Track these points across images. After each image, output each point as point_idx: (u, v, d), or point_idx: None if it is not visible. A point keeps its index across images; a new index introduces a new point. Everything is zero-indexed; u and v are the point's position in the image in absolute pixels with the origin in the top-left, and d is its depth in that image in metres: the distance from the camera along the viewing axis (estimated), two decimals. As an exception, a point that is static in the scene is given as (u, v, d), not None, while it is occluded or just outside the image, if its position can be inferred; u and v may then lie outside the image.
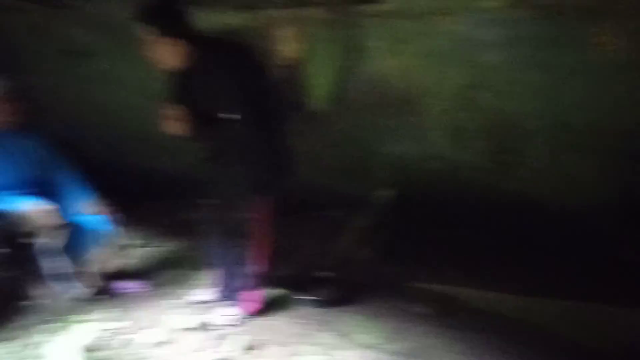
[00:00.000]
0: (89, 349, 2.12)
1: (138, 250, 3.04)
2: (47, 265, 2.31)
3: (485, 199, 2.95)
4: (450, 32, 2.49)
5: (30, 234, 2.27)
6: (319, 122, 3.04)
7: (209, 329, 2.28)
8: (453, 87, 2.70)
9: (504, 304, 2.43)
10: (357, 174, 3.28)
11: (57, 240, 2.32)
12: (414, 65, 2.68)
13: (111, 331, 2.25)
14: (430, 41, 2.59)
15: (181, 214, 3.14)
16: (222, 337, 2.22)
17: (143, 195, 3.30)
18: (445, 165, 3.01)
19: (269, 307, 2.42)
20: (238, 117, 2.04)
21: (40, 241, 2.28)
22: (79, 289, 2.42)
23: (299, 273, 2.70)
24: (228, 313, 2.34)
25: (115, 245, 2.74)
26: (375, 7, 2.41)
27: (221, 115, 2.06)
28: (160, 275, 2.75)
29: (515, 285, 2.53)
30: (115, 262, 2.74)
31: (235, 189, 2.21)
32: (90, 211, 2.45)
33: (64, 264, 2.35)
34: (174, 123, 2.12)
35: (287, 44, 2.67)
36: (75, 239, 2.41)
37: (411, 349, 2.14)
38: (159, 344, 2.18)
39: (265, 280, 2.40)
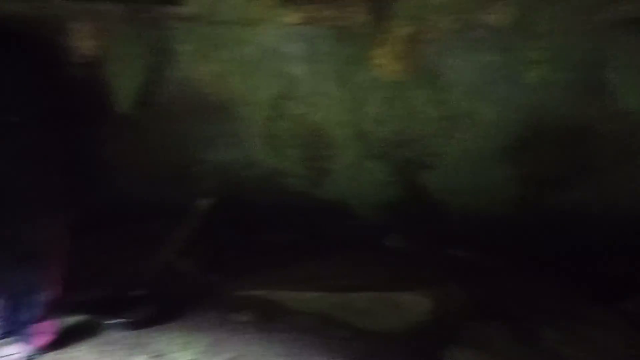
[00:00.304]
0: None
1: None
2: None
3: (303, 204, 3.07)
4: (258, 43, 2.53)
5: None
6: (130, 128, 2.79)
7: (-14, 375, 1.87)
8: (266, 97, 2.74)
9: (321, 302, 2.52)
10: (177, 182, 3.11)
11: None
12: (225, 72, 2.65)
13: None
14: (240, 50, 2.58)
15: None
16: (3, 382, 1.84)
17: None
18: (264, 172, 3.02)
19: (67, 337, 2.08)
20: (16, 119, 1.71)
21: None
22: None
23: (107, 293, 2.40)
24: (12, 351, 1.94)
25: None
26: (176, 9, 2.31)
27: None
28: None
29: (331, 283, 2.67)
30: None
31: (23, 203, 1.85)
32: None
33: None
34: None
35: (83, 39, 2.36)
36: None
37: (229, 360, 2.07)
38: None
39: (63, 306, 2.06)
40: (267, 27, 2.41)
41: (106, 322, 2.21)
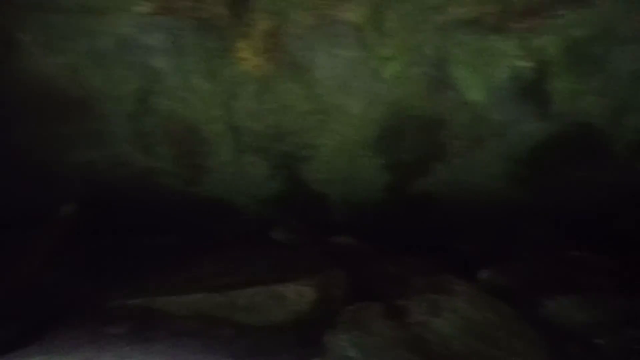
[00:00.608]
0: None
1: None
2: None
3: (182, 203, 2.97)
4: (113, 33, 2.39)
5: None
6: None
7: None
8: (128, 91, 2.60)
9: (204, 303, 2.45)
10: (36, 186, 2.83)
11: None
12: (80, 65, 2.46)
13: None
14: (93, 41, 2.43)
15: None
16: None
17: None
18: (136, 172, 2.86)
19: None
20: None
21: None
22: None
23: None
24: None
25: None
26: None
27: None
28: None
29: (216, 282, 2.61)
30: None
31: None
32: None
33: None
34: None
35: None
36: None
37: (99, 377, 1.94)
38: None
39: None
40: (120, 17, 2.28)
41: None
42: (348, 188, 2.93)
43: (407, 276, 2.63)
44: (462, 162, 2.77)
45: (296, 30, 2.38)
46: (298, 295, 2.46)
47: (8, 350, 2.01)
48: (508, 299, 2.33)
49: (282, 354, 2.15)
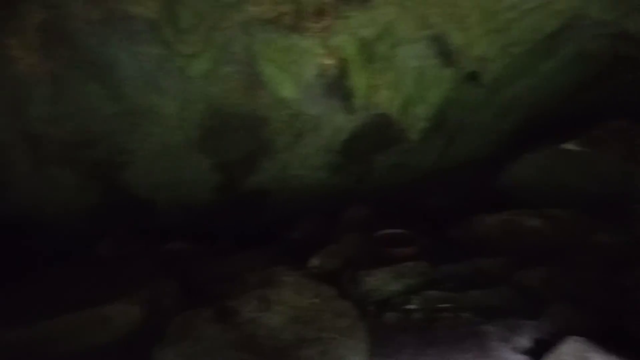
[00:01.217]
0: None
1: None
2: None
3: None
4: None
5: None
6: None
7: None
8: None
9: (22, 335, 2.10)
10: None
11: None
12: None
13: None
14: None
15: None
16: None
17: None
18: None
19: None
20: None
21: None
22: None
23: None
24: None
25: None
26: None
27: None
28: None
29: (36, 310, 2.26)
30: None
31: None
32: None
33: None
34: None
35: None
36: None
37: None
38: None
39: None
40: None
41: None
42: (176, 191, 2.75)
43: (241, 273, 2.59)
44: (286, 157, 2.80)
45: (81, 24, 2.09)
46: (124, 314, 2.24)
47: None
48: (333, 281, 2.44)
49: (107, 379, 1.96)
